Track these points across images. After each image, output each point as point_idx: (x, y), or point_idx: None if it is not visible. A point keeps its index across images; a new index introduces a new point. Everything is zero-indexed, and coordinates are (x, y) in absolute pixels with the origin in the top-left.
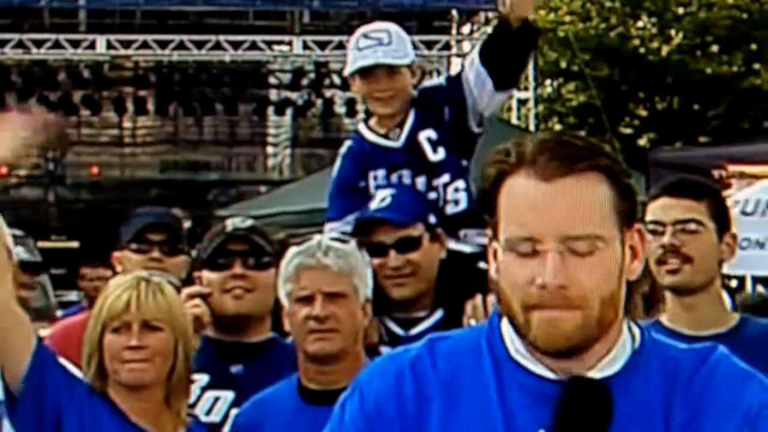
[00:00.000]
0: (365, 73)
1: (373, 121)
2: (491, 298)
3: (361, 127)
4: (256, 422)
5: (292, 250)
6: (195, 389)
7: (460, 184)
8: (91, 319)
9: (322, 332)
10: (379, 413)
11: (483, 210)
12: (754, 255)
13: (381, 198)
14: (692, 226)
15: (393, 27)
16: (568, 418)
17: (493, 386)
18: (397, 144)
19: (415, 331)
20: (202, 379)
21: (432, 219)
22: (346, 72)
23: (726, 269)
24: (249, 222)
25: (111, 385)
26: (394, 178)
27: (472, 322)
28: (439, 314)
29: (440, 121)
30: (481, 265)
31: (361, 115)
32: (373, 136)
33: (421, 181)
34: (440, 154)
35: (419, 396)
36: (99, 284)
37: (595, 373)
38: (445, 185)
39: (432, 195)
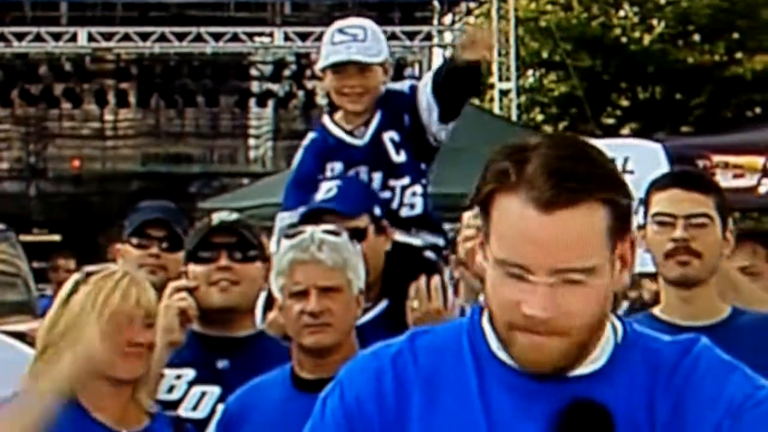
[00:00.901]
0: (337, 68)
1: (338, 116)
2: (435, 281)
3: (326, 120)
4: (246, 408)
5: (285, 244)
6: (181, 384)
7: (418, 189)
8: (82, 312)
9: (317, 326)
10: (360, 410)
11: (475, 207)
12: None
13: (327, 189)
14: (703, 221)
15: (369, 24)
16: None
17: (474, 381)
18: (361, 142)
19: (359, 321)
20: (188, 374)
21: (377, 211)
22: (318, 66)
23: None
24: (235, 215)
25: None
26: (350, 172)
27: (415, 304)
28: (383, 304)
29: (401, 125)
30: (428, 254)
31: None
32: (338, 131)
33: (377, 177)
34: (402, 156)
35: (400, 392)
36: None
37: (578, 371)
38: (404, 188)
39: (386, 194)
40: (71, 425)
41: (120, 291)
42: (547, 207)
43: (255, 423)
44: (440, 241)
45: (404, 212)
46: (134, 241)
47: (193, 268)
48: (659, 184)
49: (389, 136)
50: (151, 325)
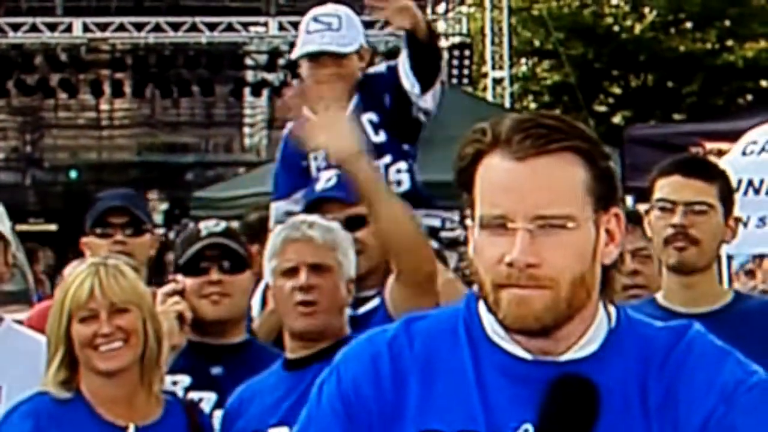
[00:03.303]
0: (312, 57)
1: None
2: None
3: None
4: (246, 402)
5: (278, 227)
6: (178, 390)
7: (402, 165)
8: (54, 311)
9: (307, 305)
10: (357, 395)
11: (460, 188)
12: None
13: (327, 178)
14: (703, 208)
15: (344, 11)
16: (555, 415)
17: (470, 366)
18: None
19: (362, 309)
20: (184, 380)
21: None
22: (293, 55)
23: None
24: (223, 225)
25: (83, 375)
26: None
27: None
28: None
29: (381, 106)
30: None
31: None
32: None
33: None
34: (381, 136)
35: (396, 376)
36: None
37: (572, 355)
38: (387, 166)
39: None
40: (75, 422)
41: (76, 285)
42: (520, 156)
43: (251, 411)
44: (436, 222)
45: (392, 190)
46: (98, 231)
47: (183, 280)
48: (663, 170)
49: (367, 118)
50: (123, 311)
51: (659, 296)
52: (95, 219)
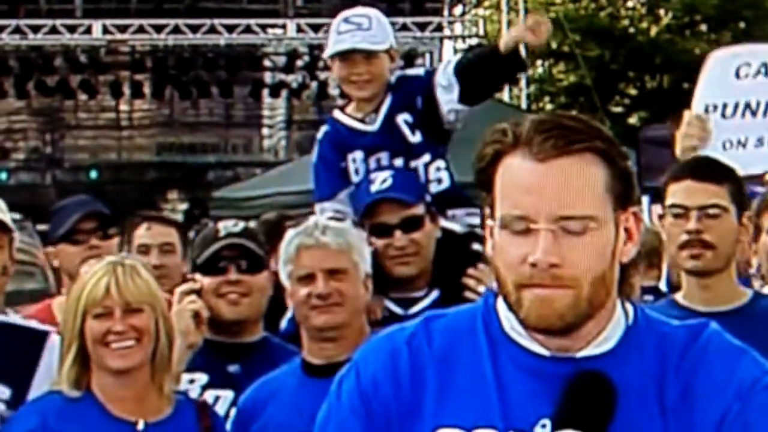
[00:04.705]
0: (343, 56)
1: (350, 108)
2: (482, 266)
3: (336, 113)
4: (260, 402)
5: (291, 232)
6: (195, 388)
7: (441, 163)
8: (68, 308)
9: (326, 307)
10: (376, 391)
11: (480, 188)
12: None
13: (382, 179)
14: (716, 211)
15: (374, 12)
16: (572, 411)
17: (489, 363)
18: (372, 128)
19: (413, 310)
20: (201, 378)
21: (428, 198)
22: (325, 55)
23: None
24: (241, 225)
25: (95, 373)
26: (372, 160)
27: (481, 289)
28: (436, 293)
29: (414, 107)
30: (476, 246)
31: None
32: (348, 119)
33: (399, 163)
34: (418, 136)
35: (415, 373)
36: None
37: (589, 351)
38: (426, 165)
39: None
40: (86, 418)
41: (93, 282)
42: (541, 157)
43: (269, 413)
44: (476, 220)
45: (433, 188)
46: (72, 239)
47: (201, 279)
48: (674, 175)
49: (403, 118)
50: (137, 311)
51: (679, 296)
52: (68, 228)
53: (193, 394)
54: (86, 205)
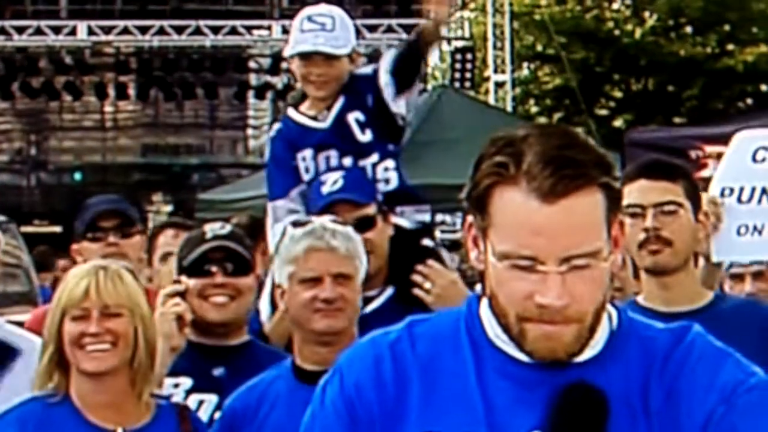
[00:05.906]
0: (304, 56)
1: (305, 105)
2: (431, 262)
3: (290, 111)
4: (249, 406)
5: (296, 232)
6: (179, 392)
7: (390, 163)
8: (51, 308)
9: (331, 311)
10: (359, 397)
11: (472, 209)
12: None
13: (333, 180)
14: (672, 208)
15: (338, 12)
16: (565, 423)
17: (472, 369)
18: (324, 125)
19: (369, 309)
20: (185, 382)
21: (380, 198)
22: (286, 53)
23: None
24: (228, 227)
25: (73, 378)
26: (321, 158)
27: (427, 285)
28: (390, 291)
29: (365, 105)
30: (425, 242)
31: None
32: (301, 117)
33: (347, 162)
34: (368, 135)
35: (399, 379)
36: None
37: (573, 357)
38: (374, 165)
39: None
40: (63, 425)
41: (73, 284)
42: (549, 197)
43: (260, 419)
44: (426, 216)
45: (381, 187)
46: (89, 236)
47: (187, 281)
48: (628, 176)
49: (354, 117)
50: (116, 315)
51: (640, 298)
52: (87, 224)
53: (178, 398)
54: (109, 203)
